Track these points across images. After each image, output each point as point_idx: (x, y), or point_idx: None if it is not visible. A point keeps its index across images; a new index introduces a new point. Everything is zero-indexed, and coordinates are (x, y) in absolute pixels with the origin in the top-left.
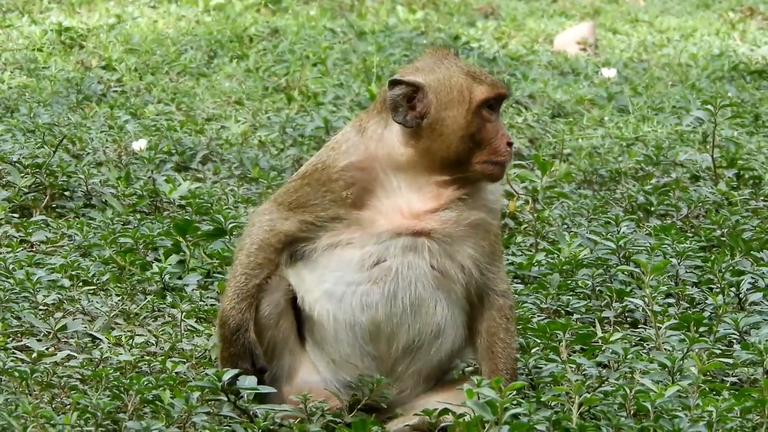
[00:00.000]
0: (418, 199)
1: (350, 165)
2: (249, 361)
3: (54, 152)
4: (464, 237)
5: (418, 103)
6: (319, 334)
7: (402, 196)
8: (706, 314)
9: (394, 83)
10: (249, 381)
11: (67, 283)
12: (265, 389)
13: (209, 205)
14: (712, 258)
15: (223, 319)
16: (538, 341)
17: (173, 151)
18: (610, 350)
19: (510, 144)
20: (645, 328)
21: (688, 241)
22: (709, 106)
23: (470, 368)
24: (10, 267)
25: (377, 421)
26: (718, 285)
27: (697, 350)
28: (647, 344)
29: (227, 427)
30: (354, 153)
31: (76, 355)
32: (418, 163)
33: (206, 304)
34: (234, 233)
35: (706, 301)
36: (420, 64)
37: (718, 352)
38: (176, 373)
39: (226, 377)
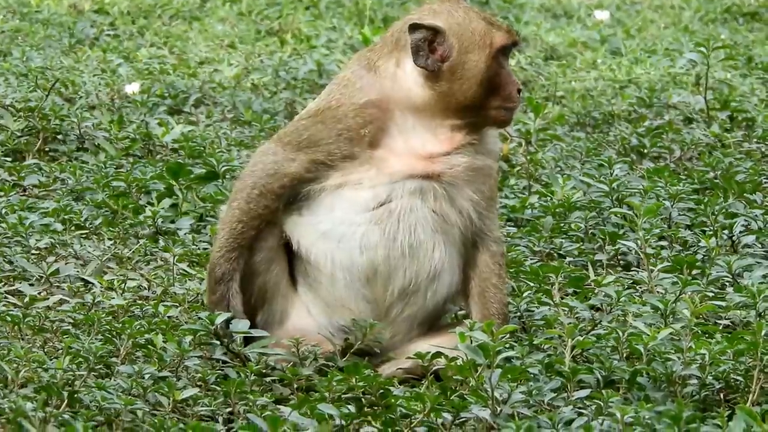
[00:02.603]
0: (432, 141)
1: (369, 102)
2: (227, 311)
3: (47, 96)
4: (468, 181)
5: (439, 47)
6: (314, 277)
7: (417, 137)
8: (699, 257)
9: (414, 27)
10: (242, 325)
11: (59, 227)
12: (257, 333)
13: (202, 148)
14: (705, 200)
15: (210, 266)
16: (531, 284)
17: (166, 95)
18: (603, 293)
19: (519, 90)
20: (638, 271)
21: (681, 184)
22: (702, 48)
23: (463, 312)
24: (3, 211)
25: (370, 365)
26: (711, 227)
27: (689, 293)
28: (640, 287)
29: (220, 371)
30: (371, 91)
31: (68, 299)
32: (435, 106)
33: (199, 248)
34: (227, 176)
35: (699, 244)
36: (436, 8)
37: (711, 294)
38: (168, 317)
39: (218, 321)
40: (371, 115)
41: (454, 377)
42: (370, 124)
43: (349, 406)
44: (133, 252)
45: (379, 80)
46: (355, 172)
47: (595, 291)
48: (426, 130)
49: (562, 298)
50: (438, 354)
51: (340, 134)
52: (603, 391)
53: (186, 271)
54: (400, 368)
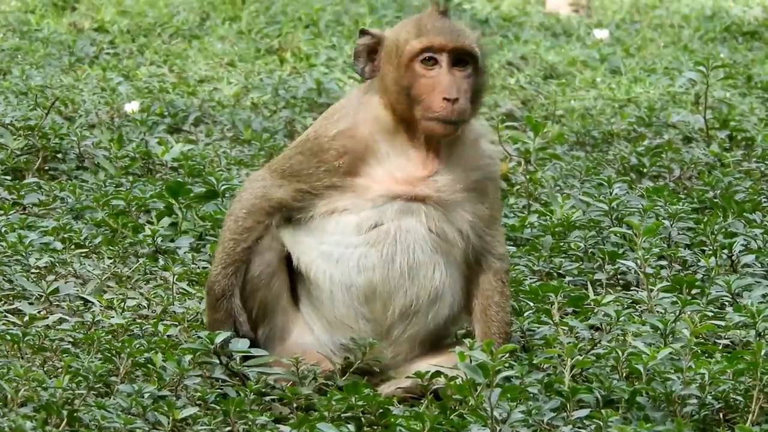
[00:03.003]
0: (408, 165)
1: (339, 134)
2: (232, 328)
3: (46, 114)
4: (461, 202)
5: (377, 56)
6: (315, 294)
7: (392, 163)
8: (699, 276)
9: (361, 33)
10: (241, 344)
11: (59, 245)
12: (257, 352)
13: (201, 167)
14: (704, 220)
15: (209, 285)
16: (531, 304)
17: (166, 113)
18: (603, 313)
19: (448, 99)
20: (637, 291)
21: (680, 203)
22: (701, 67)
23: (463, 331)
24: (2, 230)
25: (369, 384)
26: (711, 247)
27: (689, 312)
28: (639, 306)
29: (219, 390)
30: (345, 121)
31: (68, 318)
32: (398, 126)
33: (198, 267)
34: (227, 195)
35: (699, 263)
36: (409, 20)
37: (711, 314)
38: (168, 336)
39: (218, 340)
40: (344, 146)
41: (453, 396)
42: (345, 155)
43: (348, 426)
44: (133, 271)
45: (355, 109)
46: (340, 200)
47: (595, 310)
48: (399, 155)
49: (562, 318)
50: (437, 373)
51: (318, 166)
52: (602, 411)
53: (185, 290)
54: (400, 387)
